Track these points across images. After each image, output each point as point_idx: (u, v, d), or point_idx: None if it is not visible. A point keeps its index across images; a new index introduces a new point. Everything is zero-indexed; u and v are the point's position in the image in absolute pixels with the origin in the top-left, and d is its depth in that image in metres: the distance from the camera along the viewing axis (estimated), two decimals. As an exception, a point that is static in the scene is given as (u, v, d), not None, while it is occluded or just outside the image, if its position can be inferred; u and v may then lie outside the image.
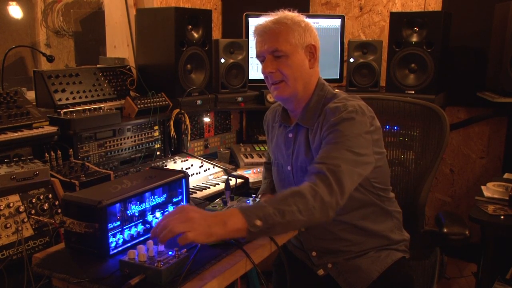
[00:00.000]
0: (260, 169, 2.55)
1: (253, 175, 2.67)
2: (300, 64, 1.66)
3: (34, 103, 2.33)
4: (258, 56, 1.72)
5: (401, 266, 1.74)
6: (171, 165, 2.53)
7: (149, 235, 1.49)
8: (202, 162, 2.65)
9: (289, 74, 1.64)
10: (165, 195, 1.57)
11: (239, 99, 3.03)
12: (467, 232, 1.86)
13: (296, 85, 1.66)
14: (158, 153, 2.68)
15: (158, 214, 1.54)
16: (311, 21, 3.34)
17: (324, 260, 1.76)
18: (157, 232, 1.22)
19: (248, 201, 1.68)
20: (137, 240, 1.46)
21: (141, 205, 1.48)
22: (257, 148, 3.05)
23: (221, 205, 1.66)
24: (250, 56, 3.12)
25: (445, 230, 1.83)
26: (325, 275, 1.76)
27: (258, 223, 1.28)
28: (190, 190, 1.91)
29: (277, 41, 1.64)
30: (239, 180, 2.05)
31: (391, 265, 1.71)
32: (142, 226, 1.49)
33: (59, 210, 1.80)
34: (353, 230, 1.72)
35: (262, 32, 1.68)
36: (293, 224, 1.37)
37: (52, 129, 2.11)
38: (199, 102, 2.80)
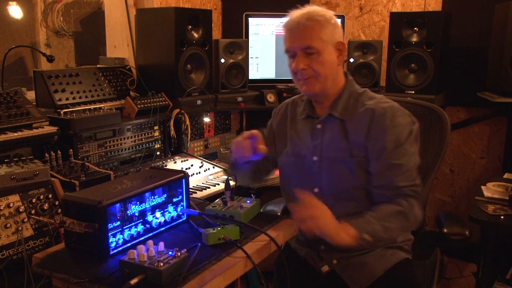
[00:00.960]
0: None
1: (253, 175, 2.67)
2: (330, 61, 1.66)
3: (34, 103, 2.32)
4: (287, 51, 1.71)
5: (404, 265, 1.74)
6: (171, 165, 2.53)
7: (149, 235, 1.50)
8: (202, 162, 2.64)
9: (320, 71, 1.65)
10: (165, 195, 1.57)
11: (239, 99, 3.03)
12: (467, 233, 1.86)
13: (326, 82, 1.68)
14: (158, 153, 2.68)
15: (158, 214, 1.54)
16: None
17: (332, 254, 1.74)
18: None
19: (248, 201, 1.68)
20: (137, 240, 1.46)
21: (141, 205, 1.48)
22: (257, 148, 3.05)
23: (221, 205, 1.67)
24: (250, 56, 3.12)
25: (445, 230, 1.83)
26: (329, 271, 1.75)
27: (367, 236, 1.52)
28: (190, 190, 1.91)
29: (310, 38, 1.63)
30: (239, 180, 2.05)
31: (395, 264, 1.72)
32: (142, 226, 1.49)
33: (59, 210, 1.80)
34: None
35: (294, 27, 1.67)
36: (392, 239, 1.66)
37: (52, 129, 2.11)
38: (199, 102, 2.80)
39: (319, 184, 1.73)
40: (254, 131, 1.69)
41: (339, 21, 1.78)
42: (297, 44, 1.66)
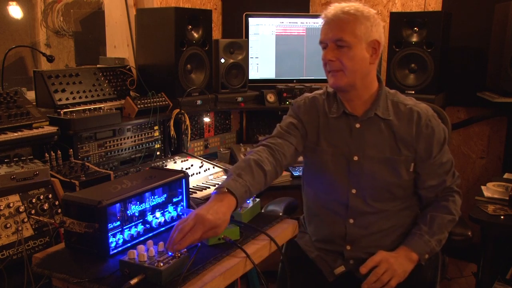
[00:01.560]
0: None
1: (253, 175, 2.67)
2: (361, 57, 1.65)
3: (34, 103, 2.32)
4: (321, 42, 1.71)
5: (417, 267, 1.75)
6: (171, 165, 2.53)
7: (149, 235, 1.50)
8: (202, 162, 2.64)
9: (348, 65, 1.64)
10: (165, 195, 1.57)
11: (239, 99, 3.03)
12: (469, 233, 1.85)
13: (354, 77, 1.67)
14: (158, 153, 2.68)
15: (158, 214, 1.54)
16: (311, 21, 3.33)
17: (357, 253, 1.75)
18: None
19: (248, 201, 1.68)
20: (137, 240, 1.46)
21: (141, 205, 1.48)
22: (257, 148, 3.05)
23: (221, 205, 1.66)
24: (250, 56, 3.12)
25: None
26: (343, 273, 1.75)
27: (426, 256, 1.69)
28: (190, 190, 1.91)
29: (343, 31, 1.63)
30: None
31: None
32: (142, 226, 1.49)
33: (59, 210, 1.80)
34: (396, 229, 1.76)
35: (330, 19, 1.67)
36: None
37: (52, 129, 2.11)
38: (199, 102, 2.80)
39: (358, 185, 1.72)
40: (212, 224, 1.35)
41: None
42: (330, 36, 1.66)
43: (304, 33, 3.22)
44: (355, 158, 1.72)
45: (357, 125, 1.73)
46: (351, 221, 1.74)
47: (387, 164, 1.70)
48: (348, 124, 1.75)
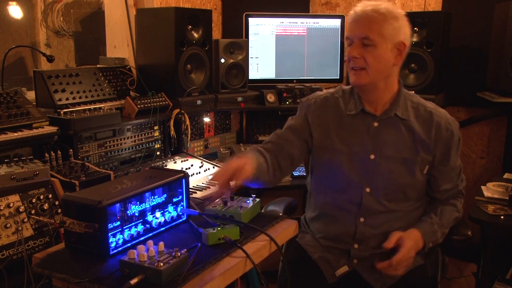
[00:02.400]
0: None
1: (253, 175, 2.67)
2: (385, 57, 1.65)
3: (34, 103, 2.33)
4: (347, 39, 1.71)
5: (421, 269, 1.77)
6: (171, 165, 2.52)
7: (149, 235, 1.50)
8: (202, 162, 2.64)
9: (372, 64, 1.64)
10: (165, 195, 1.57)
11: (239, 99, 3.04)
12: (469, 233, 1.86)
13: (376, 77, 1.67)
14: (158, 153, 2.68)
15: (158, 214, 1.54)
16: (311, 21, 3.34)
17: (365, 252, 1.75)
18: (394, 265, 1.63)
19: (248, 201, 1.68)
20: (137, 240, 1.46)
21: (141, 205, 1.48)
22: (257, 148, 3.05)
23: (221, 205, 1.66)
24: (250, 56, 3.12)
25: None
26: (345, 273, 1.75)
27: (430, 245, 1.73)
28: (190, 190, 1.91)
29: (370, 29, 1.62)
30: (239, 180, 2.04)
31: (415, 267, 1.74)
32: (142, 226, 1.49)
33: (59, 210, 1.80)
34: (405, 229, 1.75)
35: (358, 16, 1.66)
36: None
37: (52, 129, 2.11)
38: (199, 102, 2.80)
39: (372, 184, 1.73)
40: (238, 164, 1.57)
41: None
42: (356, 33, 1.65)
43: (305, 33, 3.22)
44: (372, 156, 1.73)
45: (375, 124, 1.73)
46: (362, 219, 1.74)
47: (403, 164, 1.71)
48: (366, 122, 1.75)
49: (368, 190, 1.73)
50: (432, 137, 1.71)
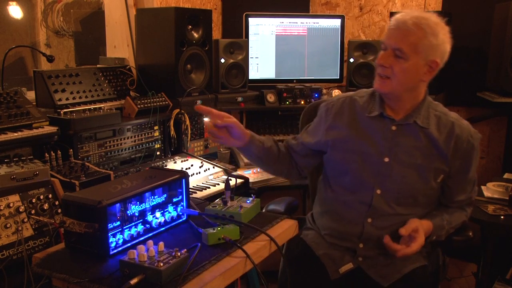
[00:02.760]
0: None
1: (253, 175, 2.67)
2: (414, 72, 1.63)
3: (34, 103, 2.32)
4: (382, 43, 1.69)
5: (423, 270, 1.77)
6: (171, 165, 2.52)
7: (149, 235, 1.50)
8: (202, 162, 2.64)
9: (398, 75, 1.62)
10: (165, 195, 1.57)
11: (239, 99, 3.03)
12: (470, 233, 1.86)
13: (399, 88, 1.66)
14: (158, 153, 2.68)
15: (158, 214, 1.54)
16: (311, 21, 3.33)
17: (370, 251, 1.76)
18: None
19: (248, 201, 1.68)
20: (137, 240, 1.46)
21: (141, 205, 1.48)
22: (257, 148, 3.04)
23: (221, 205, 1.66)
24: (250, 56, 3.12)
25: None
26: (349, 270, 1.76)
27: (434, 238, 1.74)
28: (190, 190, 1.91)
29: (405, 42, 1.60)
30: (239, 180, 2.05)
31: (417, 267, 1.74)
32: (142, 226, 1.49)
33: (59, 210, 1.80)
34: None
35: (398, 25, 1.64)
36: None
37: (52, 129, 2.11)
38: (199, 102, 2.80)
39: (384, 186, 1.73)
40: (226, 120, 1.67)
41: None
42: (391, 42, 1.64)
43: (305, 33, 3.22)
44: (386, 159, 1.72)
45: (393, 128, 1.73)
46: (370, 220, 1.75)
47: (417, 170, 1.71)
48: (384, 125, 1.74)
49: (379, 192, 1.73)
50: (451, 148, 1.70)
